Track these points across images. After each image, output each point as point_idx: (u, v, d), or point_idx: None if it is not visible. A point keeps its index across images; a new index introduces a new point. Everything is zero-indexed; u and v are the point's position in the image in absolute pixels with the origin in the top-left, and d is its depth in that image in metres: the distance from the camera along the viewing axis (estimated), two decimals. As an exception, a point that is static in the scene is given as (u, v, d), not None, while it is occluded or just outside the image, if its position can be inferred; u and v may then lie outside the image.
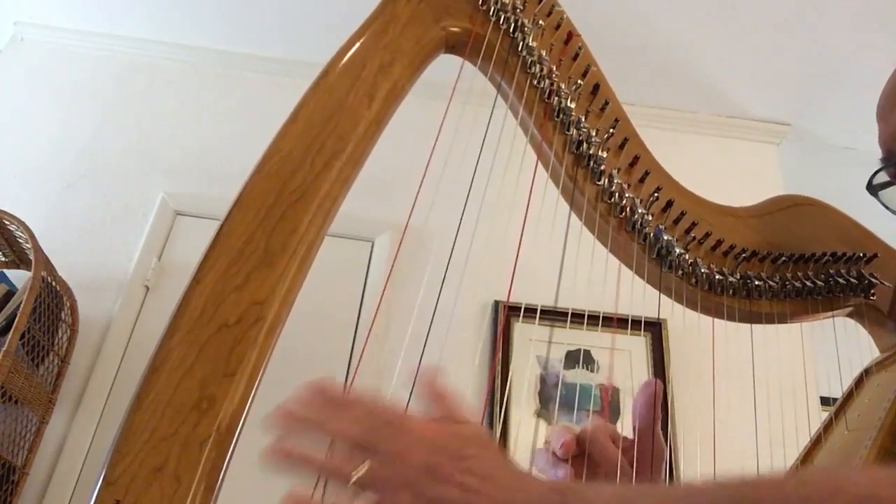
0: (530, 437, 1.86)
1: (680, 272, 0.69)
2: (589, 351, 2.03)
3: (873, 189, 0.63)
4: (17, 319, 1.63)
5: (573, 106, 0.69)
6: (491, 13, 0.69)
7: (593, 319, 1.56)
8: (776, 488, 0.35)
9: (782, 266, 0.72)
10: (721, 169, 2.31)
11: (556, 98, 0.69)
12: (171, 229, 2.20)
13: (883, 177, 0.63)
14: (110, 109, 2.42)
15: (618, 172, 0.69)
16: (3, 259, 2.01)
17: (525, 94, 0.69)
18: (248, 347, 0.49)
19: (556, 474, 0.54)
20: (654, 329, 2.06)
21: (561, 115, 0.69)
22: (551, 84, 0.69)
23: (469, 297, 2.04)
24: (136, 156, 2.32)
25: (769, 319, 0.71)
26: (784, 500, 0.34)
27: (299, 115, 0.59)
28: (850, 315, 0.74)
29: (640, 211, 0.69)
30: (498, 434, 1.82)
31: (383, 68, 0.63)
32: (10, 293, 1.86)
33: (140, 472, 0.44)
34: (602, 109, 0.70)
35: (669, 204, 0.70)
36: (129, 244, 2.15)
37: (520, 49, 0.69)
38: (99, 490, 0.44)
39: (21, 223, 1.80)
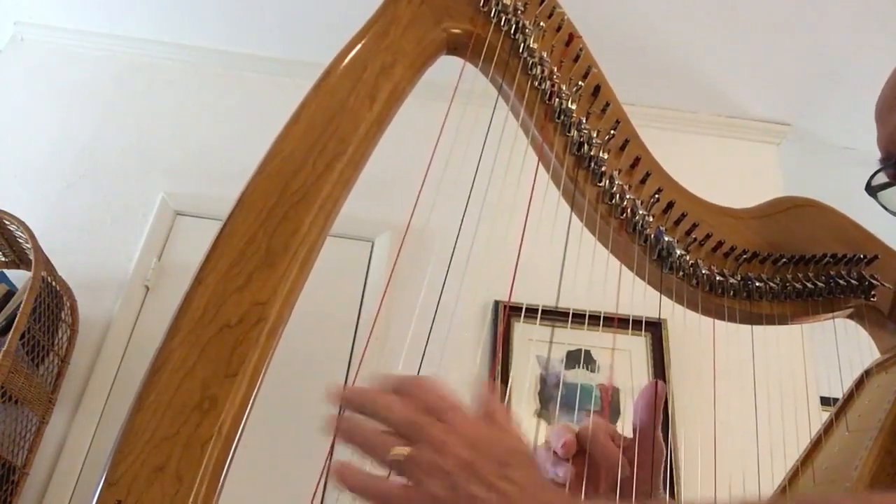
0: (531, 438, 1.86)
1: (681, 273, 0.70)
2: (589, 351, 2.03)
3: (872, 190, 0.63)
4: (17, 319, 1.63)
5: (574, 107, 0.69)
6: (492, 15, 0.69)
7: (594, 320, 1.56)
8: None
9: (783, 267, 0.72)
10: (721, 169, 2.31)
11: (557, 100, 0.69)
12: (171, 229, 2.20)
13: (882, 178, 0.63)
14: (110, 109, 2.42)
15: (619, 174, 0.70)
16: (3, 259, 2.01)
17: (526, 95, 0.69)
18: (249, 348, 0.49)
19: (557, 473, 0.54)
20: (655, 329, 2.06)
21: (562, 117, 0.69)
22: (552, 85, 0.69)
23: (469, 297, 2.04)
24: (136, 156, 2.32)
25: (770, 321, 0.71)
26: None
27: (301, 116, 0.59)
28: (850, 316, 0.74)
29: (640, 212, 0.69)
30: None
31: (384, 70, 0.63)
32: (10, 293, 1.87)
33: (142, 473, 0.44)
34: (603, 111, 0.70)
35: (670, 205, 0.70)
36: (129, 244, 2.15)
37: (521, 51, 0.70)
38: (101, 490, 0.44)
39: (21, 223, 1.80)
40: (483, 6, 0.69)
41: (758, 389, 1.56)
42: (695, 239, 0.70)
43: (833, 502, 0.35)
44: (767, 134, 2.52)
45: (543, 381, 2.01)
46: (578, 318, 1.76)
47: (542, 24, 0.71)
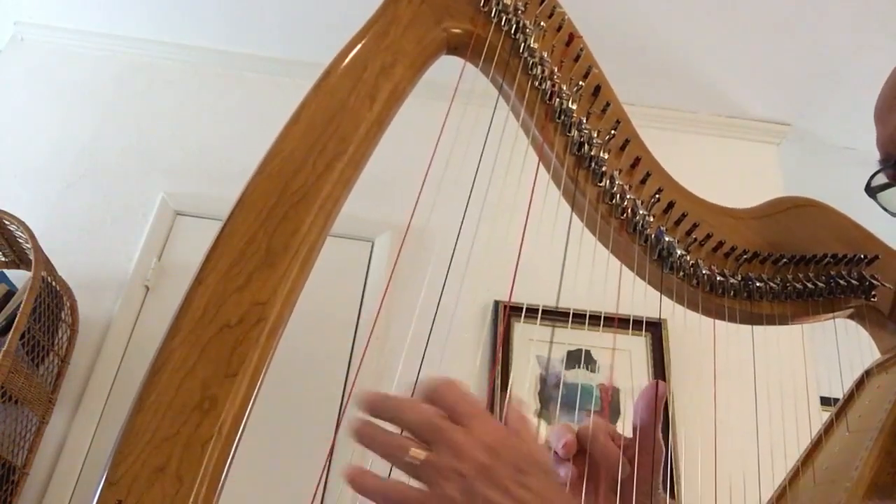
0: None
1: (681, 273, 0.69)
2: (589, 351, 2.03)
3: (872, 191, 0.63)
4: (17, 319, 1.63)
5: (574, 107, 0.69)
6: (492, 15, 0.69)
7: (594, 320, 1.56)
8: None
9: (783, 268, 0.72)
10: (721, 169, 2.32)
11: (558, 100, 0.69)
12: (171, 229, 2.20)
13: (881, 179, 0.63)
14: (110, 109, 2.42)
15: (619, 174, 0.70)
16: (3, 259, 2.01)
17: (526, 95, 0.69)
18: (249, 348, 0.49)
19: (559, 474, 0.54)
20: (655, 329, 2.06)
21: (562, 117, 0.69)
22: (553, 85, 0.69)
23: (470, 297, 2.04)
24: (136, 156, 2.33)
25: (770, 321, 0.71)
26: None
27: (301, 116, 0.59)
28: (850, 316, 0.74)
29: (641, 212, 0.69)
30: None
31: (385, 70, 0.63)
32: (10, 293, 1.87)
33: (142, 473, 0.44)
34: (603, 111, 0.70)
35: (671, 205, 0.70)
36: (129, 244, 2.15)
37: (521, 50, 0.69)
38: (101, 490, 0.44)
39: (21, 223, 1.80)
40: (483, 6, 0.69)
41: (758, 389, 1.56)
42: (695, 239, 0.70)
43: None
44: (767, 134, 2.52)
45: (544, 381, 2.01)
46: (579, 318, 1.76)
47: (542, 23, 0.71)
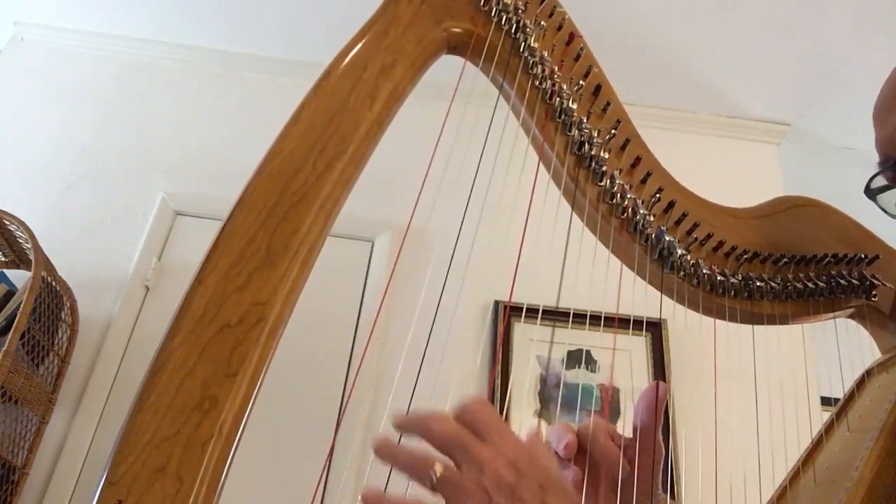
0: (532, 430, 1.86)
1: (681, 273, 0.69)
2: (590, 351, 2.03)
3: (871, 193, 0.63)
4: (17, 319, 1.63)
5: (575, 107, 0.69)
6: (493, 14, 0.69)
7: (594, 320, 1.57)
8: None
9: (784, 267, 0.72)
10: (721, 169, 2.32)
11: (558, 99, 0.69)
12: (171, 229, 2.20)
13: (881, 181, 0.63)
14: (110, 109, 2.42)
15: (619, 174, 0.70)
16: (3, 259, 2.01)
17: (527, 95, 0.69)
18: (249, 348, 0.49)
19: (564, 475, 0.54)
20: (655, 329, 2.06)
21: (562, 117, 0.69)
22: (553, 85, 0.69)
23: (470, 297, 2.04)
24: (136, 156, 2.33)
25: (770, 320, 0.71)
26: None
27: (301, 116, 0.59)
28: (851, 316, 0.74)
29: (641, 212, 0.69)
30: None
31: (385, 69, 0.63)
32: (10, 293, 1.87)
33: (142, 473, 0.44)
34: (604, 110, 0.70)
35: (671, 205, 0.70)
36: (129, 244, 2.15)
37: (521, 50, 0.69)
38: (101, 490, 0.44)
39: (21, 223, 1.80)
40: (484, 5, 0.69)
41: (758, 389, 1.56)
42: (696, 239, 0.70)
43: None
44: (767, 134, 2.52)
45: (544, 381, 2.01)
46: (579, 318, 1.76)
47: (542, 23, 0.71)
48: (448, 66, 0.69)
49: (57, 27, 2.51)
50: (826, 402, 1.91)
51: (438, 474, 0.42)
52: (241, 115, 2.40)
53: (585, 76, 0.71)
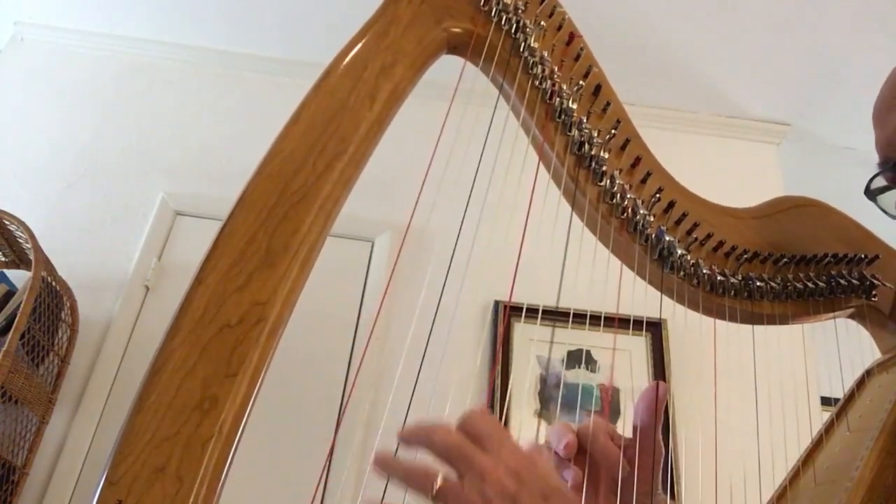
0: (531, 438, 1.86)
1: (681, 273, 0.69)
2: (590, 351, 2.03)
3: (871, 194, 0.63)
4: (17, 319, 1.63)
5: (575, 107, 0.69)
6: (493, 14, 0.69)
7: (594, 320, 1.57)
8: None
9: (784, 267, 0.72)
10: (721, 169, 2.32)
11: (558, 99, 0.69)
12: (171, 229, 2.20)
13: (880, 181, 0.63)
14: (110, 109, 2.42)
15: (619, 174, 0.70)
16: (3, 259, 2.01)
17: (527, 95, 0.69)
18: (249, 348, 0.49)
19: (567, 477, 0.54)
20: (655, 329, 2.06)
21: (562, 117, 0.69)
22: (553, 85, 0.69)
23: (470, 297, 2.04)
24: (136, 156, 2.33)
25: (770, 320, 0.71)
26: None
27: (301, 116, 0.59)
28: (851, 316, 0.74)
29: (641, 212, 0.69)
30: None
31: (385, 69, 0.63)
32: (10, 293, 1.87)
33: (142, 473, 0.44)
34: (604, 110, 0.70)
35: (671, 205, 0.70)
36: (129, 244, 2.15)
37: (521, 50, 0.69)
38: (101, 490, 0.44)
39: (21, 223, 1.80)
40: (484, 5, 0.69)
41: (758, 389, 1.56)
42: (696, 239, 0.70)
43: None
44: (767, 134, 2.52)
45: (544, 381, 2.01)
46: (579, 318, 1.76)
47: (542, 23, 0.71)
48: (448, 66, 0.69)
49: (57, 27, 2.51)
50: (826, 402, 1.91)
51: (439, 485, 0.42)
52: (241, 115, 2.40)
53: (585, 76, 0.71)
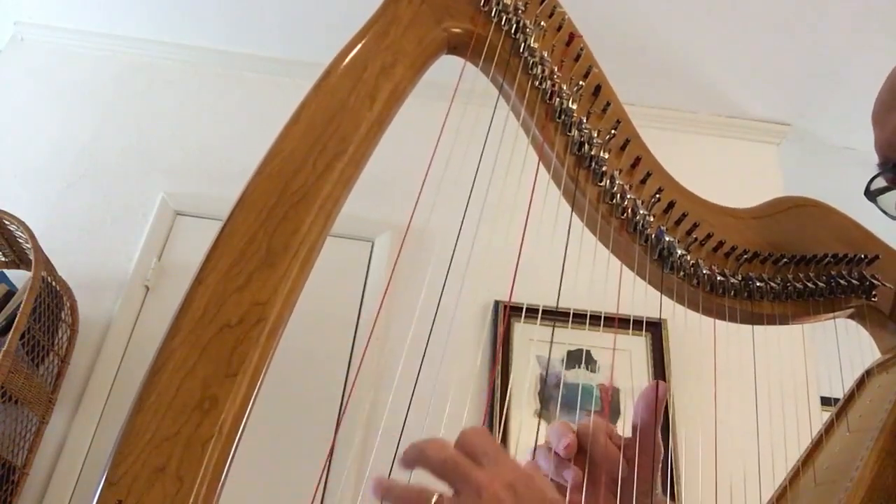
0: (531, 438, 1.86)
1: (681, 273, 0.69)
2: (590, 351, 2.03)
3: (871, 195, 0.63)
4: (17, 319, 1.63)
5: (575, 107, 0.69)
6: (493, 14, 0.69)
7: (594, 320, 1.57)
8: None
9: (783, 267, 0.72)
10: (721, 169, 2.32)
11: (558, 99, 0.69)
12: (171, 229, 2.20)
13: (880, 182, 0.63)
14: (110, 109, 2.42)
15: (619, 174, 0.70)
16: (3, 259, 2.01)
17: (526, 95, 0.69)
18: (249, 348, 0.49)
19: (567, 477, 0.54)
20: (655, 329, 2.06)
21: (562, 117, 0.69)
22: (553, 85, 0.69)
23: (470, 297, 2.04)
24: (136, 156, 2.33)
25: (770, 321, 0.71)
26: None
27: (301, 116, 0.59)
28: (851, 316, 0.74)
29: (641, 212, 0.69)
30: (499, 434, 1.82)
31: (385, 69, 0.63)
32: (10, 293, 1.87)
33: (142, 473, 0.44)
34: (604, 111, 0.70)
35: (671, 205, 0.70)
36: (129, 244, 2.15)
37: (521, 50, 0.69)
38: (101, 490, 0.44)
39: (21, 223, 1.80)
40: (484, 6, 0.69)
41: (758, 389, 1.56)
42: (695, 239, 0.70)
43: None
44: (767, 134, 2.52)
45: (544, 381, 2.01)
46: (579, 318, 1.76)
47: (542, 23, 0.71)
48: (448, 66, 0.69)
49: (57, 27, 2.51)
50: (826, 402, 1.91)
51: (434, 503, 0.42)
52: (241, 115, 2.40)
53: (585, 76, 0.71)
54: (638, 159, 0.71)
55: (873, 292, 0.72)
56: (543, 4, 0.71)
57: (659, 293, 0.71)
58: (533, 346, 2.00)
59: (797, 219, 0.74)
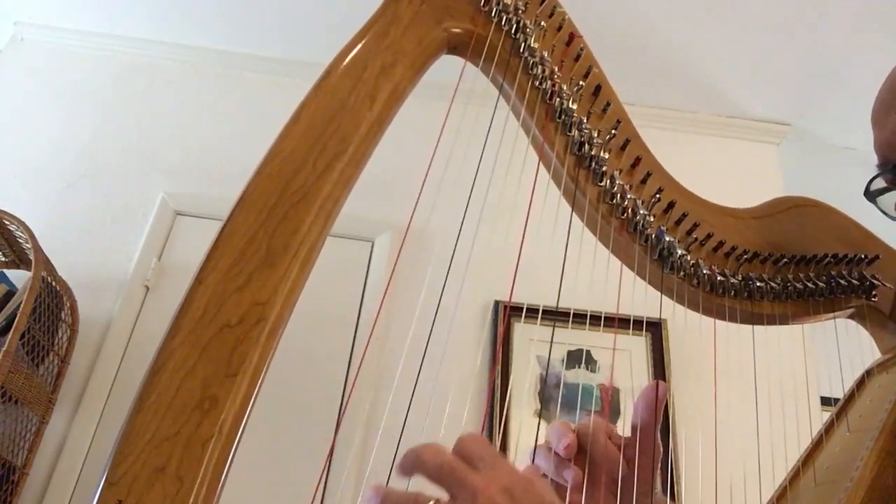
0: (531, 438, 1.86)
1: (681, 273, 0.69)
2: (590, 351, 2.03)
3: (871, 195, 0.63)
4: (17, 319, 1.63)
5: (575, 107, 0.69)
6: (493, 14, 0.69)
7: (594, 320, 1.57)
8: None
9: (784, 267, 0.72)
10: (721, 169, 2.32)
11: (558, 99, 0.69)
12: (171, 229, 2.20)
13: (880, 182, 0.63)
14: (110, 109, 2.42)
15: (619, 174, 0.70)
16: (3, 259, 2.01)
17: (527, 95, 0.69)
18: (249, 348, 0.49)
19: (567, 477, 0.54)
20: (655, 329, 2.06)
21: (563, 117, 0.69)
22: (553, 85, 0.69)
23: (470, 297, 2.04)
24: (136, 156, 2.33)
25: (770, 321, 0.71)
26: None
27: (301, 116, 0.59)
28: (851, 316, 0.74)
29: (641, 212, 0.69)
30: (499, 434, 1.82)
31: (385, 69, 0.63)
32: (10, 293, 1.87)
33: (142, 473, 0.44)
34: (604, 111, 0.70)
35: (671, 205, 0.70)
36: (129, 244, 2.15)
37: (521, 50, 0.69)
38: (101, 490, 0.44)
39: (21, 223, 1.80)
40: (484, 6, 0.69)
41: (758, 389, 1.56)
42: (696, 239, 0.70)
43: None
44: (767, 134, 2.52)
45: (544, 381, 2.01)
46: (579, 318, 1.75)
47: (542, 23, 0.71)
48: (448, 66, 0.69)
49: (57, 27, 2.51)
50: (826, 402, 1.91)
51: None
52: (241, 115, 2.40)
53: (585, 76, 0.71)
54: (638, 159, 0.71)
55: (873, 292, 0.71)
56: (543, 4, 0.71)
57: (659, 293, 0.71)
58: (533, 346, 2.00)
59: (797, 219, 0.74)
